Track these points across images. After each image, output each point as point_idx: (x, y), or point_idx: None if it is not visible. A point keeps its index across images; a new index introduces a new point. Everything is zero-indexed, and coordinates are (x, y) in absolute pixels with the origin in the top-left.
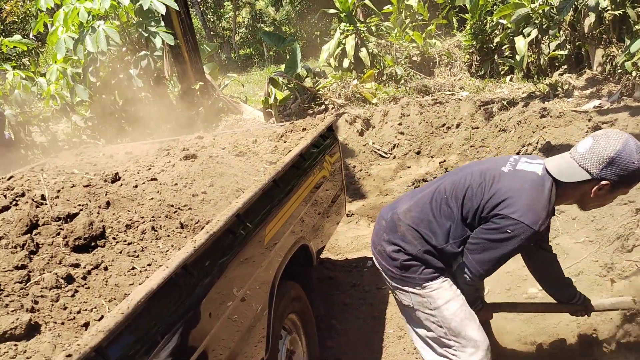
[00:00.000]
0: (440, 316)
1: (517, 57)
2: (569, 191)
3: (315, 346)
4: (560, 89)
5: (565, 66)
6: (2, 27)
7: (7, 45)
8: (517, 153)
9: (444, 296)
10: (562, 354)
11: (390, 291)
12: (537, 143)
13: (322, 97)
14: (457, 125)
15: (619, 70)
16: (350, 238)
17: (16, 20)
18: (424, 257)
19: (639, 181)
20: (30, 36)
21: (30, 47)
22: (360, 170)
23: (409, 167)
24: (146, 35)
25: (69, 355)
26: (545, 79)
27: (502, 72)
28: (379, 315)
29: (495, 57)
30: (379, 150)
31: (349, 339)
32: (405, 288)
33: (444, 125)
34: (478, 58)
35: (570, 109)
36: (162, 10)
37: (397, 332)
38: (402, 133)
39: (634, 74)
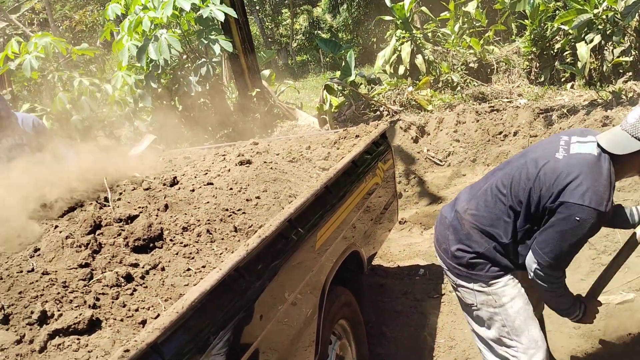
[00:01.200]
0: (505, 314)
1: (579, 64)
2: (626, 164)
3: (364, 352)
4: (624, 97)
5: (630, 73)
6: (71, 35)
7: (76, 53)
8: None
9: (509, 293)
10: None
11: (453, 290)
12: None
13: (376, 103)
14: (515, 133)
15: None
16: (402, 245)
17: (84, 28)
18: (490, 254)
19: None
20: (97, 44)
21: (97, 54)
22: (414, 177)
23: (464, 175)
24: (206, 42)
25: (127, 351)
26: (608, 87)
27: (562, 79)
28: (431, 324)
29: (556, 63)
30: (433, 157)
31: (399, 347)
32: (470, 285)
33: (500, 133)
34: (538, 65)
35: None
36: (221, 18)
37: (448, 342)
38: (458, 140)
39: None
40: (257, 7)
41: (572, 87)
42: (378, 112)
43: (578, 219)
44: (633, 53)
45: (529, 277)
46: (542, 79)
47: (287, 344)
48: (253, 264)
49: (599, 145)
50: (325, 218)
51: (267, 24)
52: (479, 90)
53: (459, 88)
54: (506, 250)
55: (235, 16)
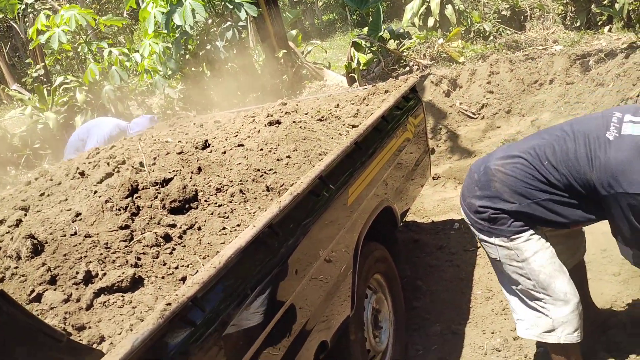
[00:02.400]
0: (528, 268)
1: (617, 6)
2: None
3: (401, 305)
4: None
5: None
6: (98, 7)
7: (104, 24)
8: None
9: (531, 248)
10: None
11: (479, 245)
12: (637, 97)
13: (406, 58)
14: (551, 81)
15: None
16: (436, 201)
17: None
18: (515, 213)
19: None
20: (124, 14)
21: (125, 24)
22: (447, 132)
23: (498, 127)
24: (231, 7)
25: (169, 304)
26: None
27: (599, 23)
28: (466, 277)
29: (593, 6)
30: (466, 110)
31: (435, 300)
32: (492, 240)
33: (536, 81)
34: (573, 9)
35: None
36: None
37: (485, 293)
38: (491, 92)
39: None
40: None
41: (609, 30)
42: (408, 68)
43: (637, 204)
44: None
45: (630, 263)
46: (578, 23)
47: (323, 297)
48: (287, 221)
49: None
50: (356, 175)
51: None
52: (513, 38)
53: (491, 38)
54: (533, 210)
55: None
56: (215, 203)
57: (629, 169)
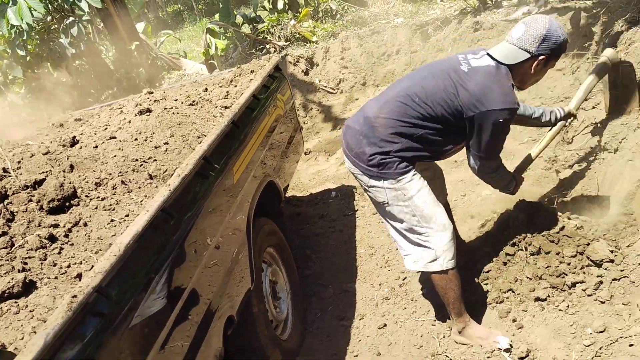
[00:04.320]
0: (413, 205)
1: None
2: (514, 72)
3: (295, 275)
4: (489, 2)
5: None
6: None
7: None
8: None
9: (415, 186)
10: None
11: (364, 191)
12: None
13: (262, 42)
14: (397, 52)
15: None
16: (311, 174)
17: None
18: (401, 153)
19: (564, 52)
20: None
21: None
22: (311, 109)
23: (357, 99)
24: (70, 0)
25: (75, 296)
26: None
27: None
28: (349, 239)
29: None
30: (326, 87)
31: (325, 265)
32: (381, 184)
33: (384, 53)
34: None
35: (501, 19)
36: None
37: (368, 251)
38: (346, 67)
39: None
40: None
41: (441, 0)
42: (265, 50)
43: (501, 120)
44: None
45: (474, 172)
46: None
47: (223, 274)
48: (179, 203)
49: (492, 58)
50: (237, 153)
51: None
52: (358, 15)
53: (338, 16)
54: (418, 145)
55: None
56: (98, 197)
57: (487, 90)
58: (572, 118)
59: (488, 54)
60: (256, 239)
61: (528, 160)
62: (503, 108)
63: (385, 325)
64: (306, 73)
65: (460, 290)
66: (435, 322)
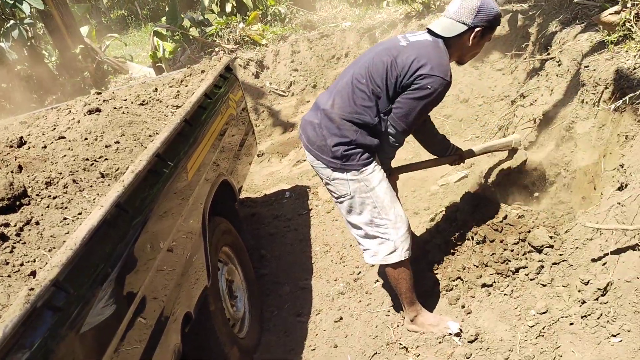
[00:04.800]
0: (375, 196)
1: None
2: (453, 45)
3: (251, 274)
4: (433, 5)
5: None
6: None
7: None
8: None
9: (377, 177)
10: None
11: (325, 185)
12: None
13: (211, 45)
14: (346, 55)
15: None
16: (265, 175)
17: None
18: (362, 140)
19: (498, 24)
20: None
21: None
22: (263, 112)
23: (308, 102)
24: (11, 2)
25: (32, 289)
26: None
27: None
28: (304, 237)
29: None
30: (277, 90)
31: (281, 264)
32: (344, 175)
33: (333, 56)
34: None
35: None
36: None
37: (323, 248)
38: (296, 70)
39: None
40: None
41: (387, 4)
42: (214, 53)
43: (430, 87)
44: None
45: (387, 136)
46: (361, 0)
47: (180, 270)
48: (133, 199)
49: (431, 34)
50: (191, 150)
51: None
52: (307, 18)
53: (287, 19)
54: (374, 132)
55: None
56: (49, 196)
57: (424, 58)
58: (458, 160)
59: (428, 30)
60: (212, 237)
61: (406, 168)
62: (438, 75)
63: (341, 318)
64: (257, 76)
65: (412, 281)
66: (389, 312)
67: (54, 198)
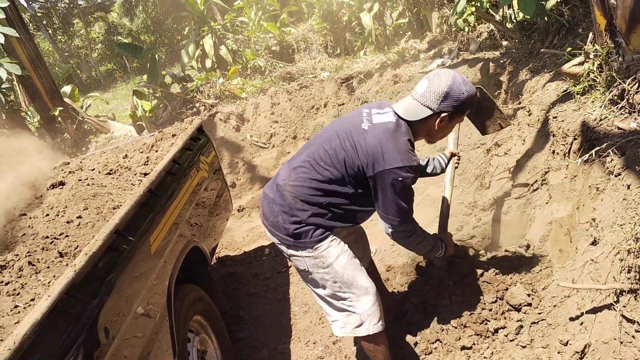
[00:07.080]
0: (333, 272)
1: (366, 32)
2: (418, 128)
3: (226, 341)
4: (407, 55)
5: (409, 33)
6: None
7: None
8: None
9: (333, 253)
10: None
11: (288, 259)
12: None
13: (192, 100)
14: (325, 105)
15: (454, 29)
16: (245, 231)
17: None
18: (314, 220)
19: (469, 108)
20: None
21: None
22: (244, 164)
23: (288, 153)
24: None
25: None
26: (394, 48)
27: (355, 48)
28: (283, 297)
29: (347, 34)
30: (257, 142)
31: (259, 326)
32: (299, 253)
33: (313, 107)
34: (332, 39)
35: (418, 72)
36: (0, 39)
37: (302, 308)
38: (276, 121)
39: (466, 29)
40: (44, 22)
41: (364, 54)
42: (195, 109)
43: (400, 179)
44: (408, 14)
45: (390, 238)
46: (338, 50)
47: (140, 351)
48: (86, 283)
49: (395, 113)
50: (155, 222)
51: (59, 37)
52: (286, 70)
53: (267, 72)
54: (329, 211)
55: (17, 35)
56: (1, 282)
57: (385, 148)
58: (456, 157)
59: (393, 109)
60: (180, 308)
61: (446, 208)
62: (399, 166)
63: None
64: (237, 129)
65: (388, 351)
66: None
67: (7, 284)
